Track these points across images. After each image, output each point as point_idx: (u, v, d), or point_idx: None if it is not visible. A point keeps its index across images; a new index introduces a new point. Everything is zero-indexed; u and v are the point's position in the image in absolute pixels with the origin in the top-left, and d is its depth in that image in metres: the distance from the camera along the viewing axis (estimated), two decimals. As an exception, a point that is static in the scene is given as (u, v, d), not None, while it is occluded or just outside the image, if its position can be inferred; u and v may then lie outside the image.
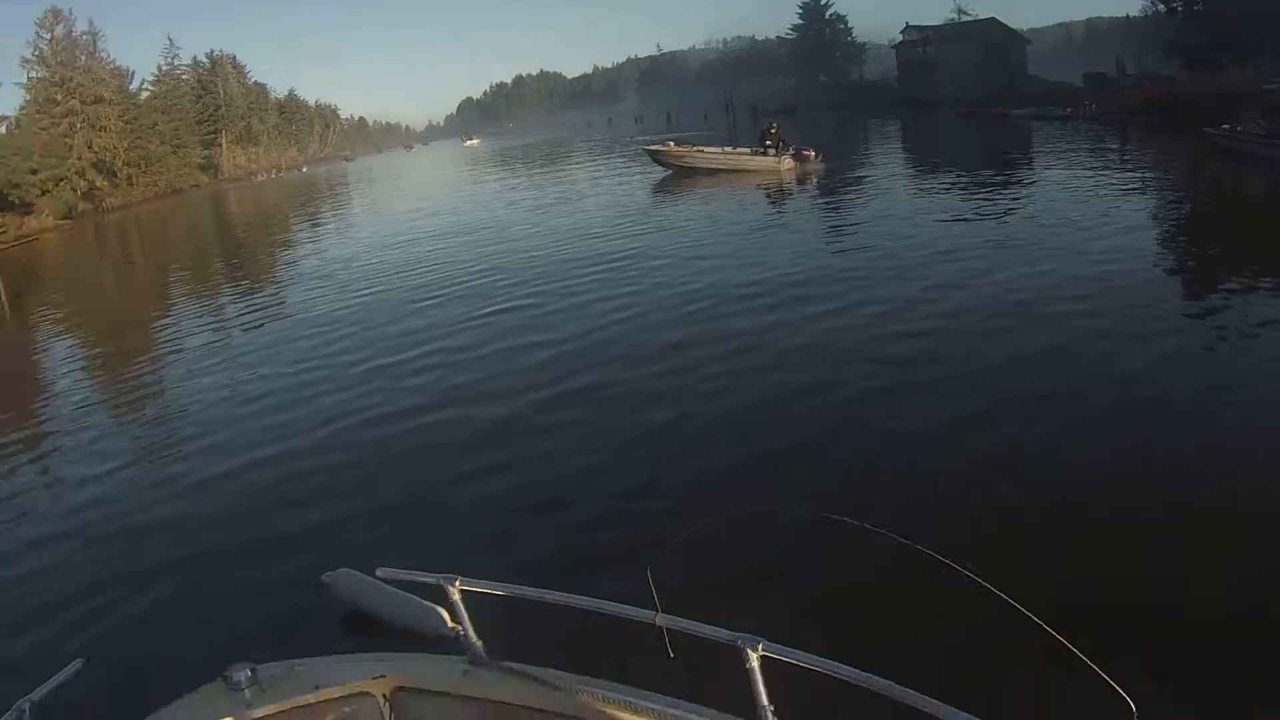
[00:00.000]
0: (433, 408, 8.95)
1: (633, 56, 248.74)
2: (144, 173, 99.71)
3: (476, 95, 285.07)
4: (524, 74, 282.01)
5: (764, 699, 1.87)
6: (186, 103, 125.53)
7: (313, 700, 2.43)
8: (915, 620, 4.29)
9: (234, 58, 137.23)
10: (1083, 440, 6.17)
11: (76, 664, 2.62)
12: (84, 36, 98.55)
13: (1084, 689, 1.63)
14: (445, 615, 2.60)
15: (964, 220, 14.10)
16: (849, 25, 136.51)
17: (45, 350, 16.34)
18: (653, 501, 6.11)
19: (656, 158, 24.25)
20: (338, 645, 4.12)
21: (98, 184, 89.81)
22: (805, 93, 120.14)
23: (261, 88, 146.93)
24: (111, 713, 3.68)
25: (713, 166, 22.81)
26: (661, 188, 21.94)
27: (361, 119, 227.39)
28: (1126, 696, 1.41)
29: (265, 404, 9.95)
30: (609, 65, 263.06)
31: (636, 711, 2.17)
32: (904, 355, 7.96)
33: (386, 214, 29.16)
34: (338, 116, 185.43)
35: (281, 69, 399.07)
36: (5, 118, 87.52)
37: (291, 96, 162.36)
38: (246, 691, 2.38)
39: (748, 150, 22.86)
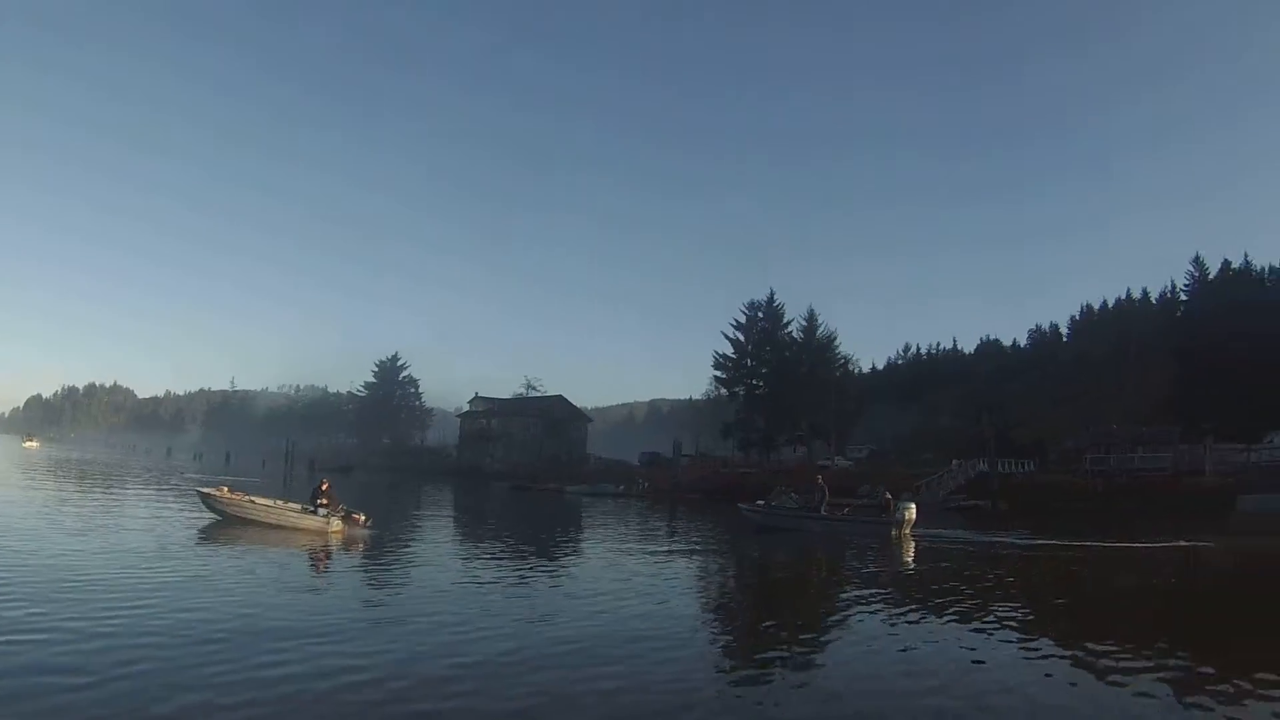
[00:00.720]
0: None
1: (205, 388, 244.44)
2: None
3: (47, 394, 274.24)
4: (97, 383, 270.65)
5: None
6: None
7: None
8: None
9: None
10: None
11: None
12: None
13: None
14: None
15: (502, 592, 12.86)
16: (419, 390, 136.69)
17: None
18: None
19: (208, 501, 21.98)
20: None
21: None
22: (366, 452, 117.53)
23: None
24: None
25: (262, 519, 20.84)
26: (208, 535, 19.14)
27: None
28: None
29: None
30: (181, 393, 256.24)
31: None
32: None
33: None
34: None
35: None
36: None
37: None
38: None
39: (299, 508, 21.17)
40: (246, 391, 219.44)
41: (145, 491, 34.82)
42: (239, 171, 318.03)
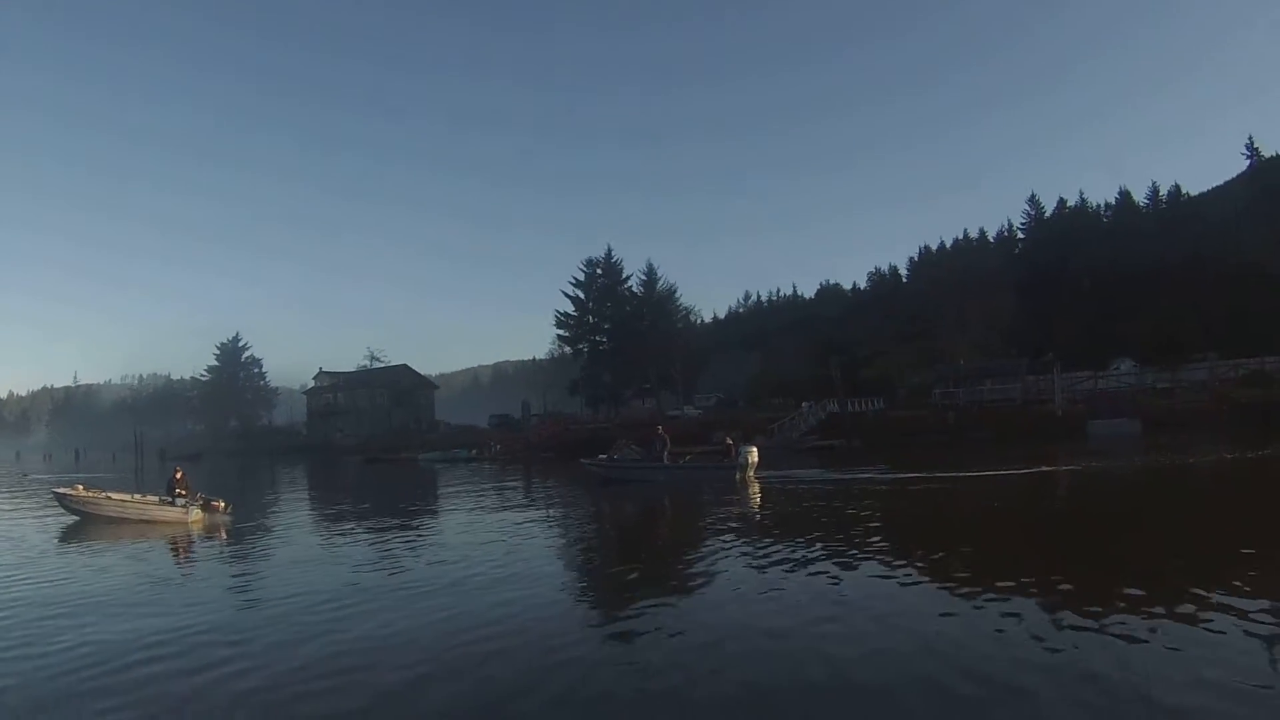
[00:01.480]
0: None
1: (48, 386, 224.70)
2: None
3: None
4: None
5: None
6: None
7: None
8: None
9: None
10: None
11: None
12: None
13: None
14: None
15: (379, 568, 12.12)
16: (263, 370, 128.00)
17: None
18: None
19: (64, 502, 20.85)
20: None
21: None
22: (214, 437, 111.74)
23: None
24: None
25: (122, 515, 19.90)
26: (68, 535, 18.18)
27: None
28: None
29: None
30: (24, 393, 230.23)
31: None
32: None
33: None
34: None
35: None
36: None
37: None
38: None
39: (156, 499, 20.52)
40: (90, 385, 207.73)
41: (6, 498, 32.92)
42: (57, 147, 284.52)
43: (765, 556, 11.50)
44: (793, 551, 11.77)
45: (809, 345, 69.24)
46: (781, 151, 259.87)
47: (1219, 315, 51.45)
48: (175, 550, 15.74)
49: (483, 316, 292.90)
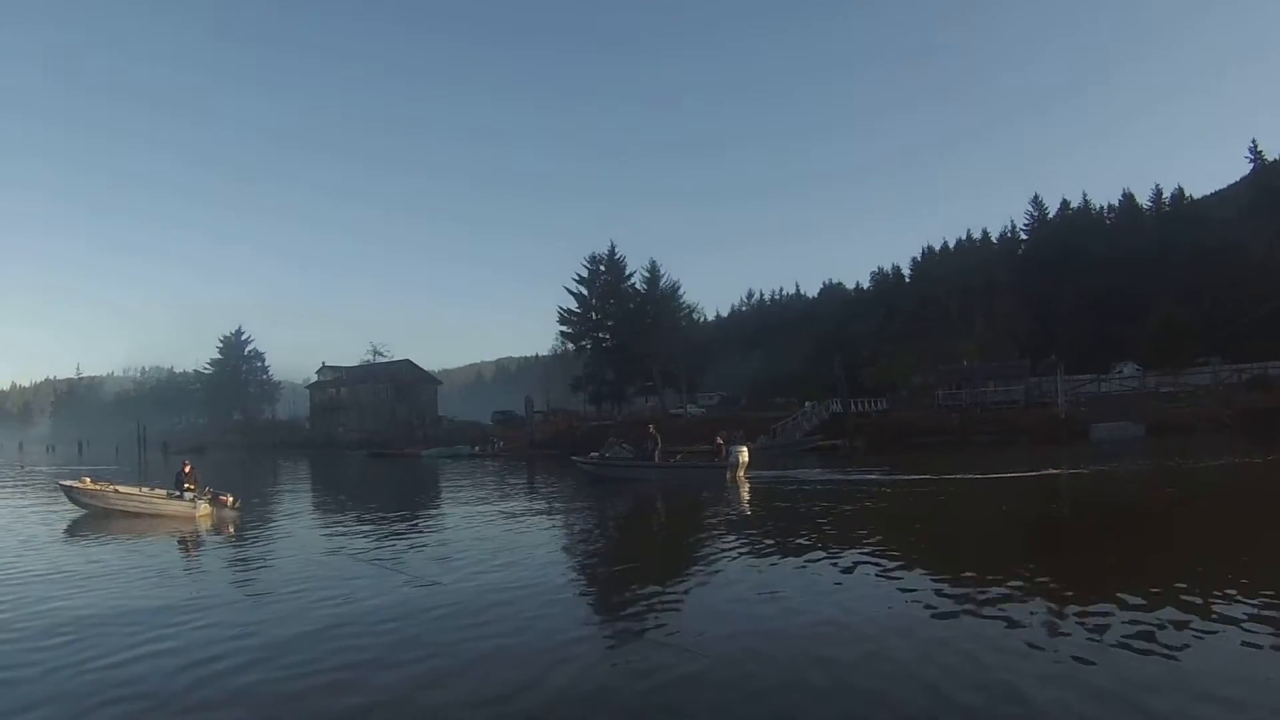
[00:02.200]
0: None
1: (50, 378, 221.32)
2: None
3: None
4: None
5: None
6: None
7: None
8: None
9: None
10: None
11: None
12: None
13: None
14: None
15: (381, 564, 12.14)
16: (266, 364, 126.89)
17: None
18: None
19: (71, 495, 20.93)
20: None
21: None
22: (217, 430, 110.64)
23: None
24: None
25: (129, 509, 19.84)
26: (75, 529, 17.82)
27: None
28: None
29: None
30: (27, 385, 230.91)
31: None
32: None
33: None
34: None
35: None
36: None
37: None
38: None
39: (164, 493, 20.14)
40: (93, 378, 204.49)
41: (8, 491, 32.36)
42: (56, 146, 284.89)
43: (761, 556, 11.55)
44: (788, 552, 11.82)
45: (812, 344, 69.23)
46: (786, 157, 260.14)
47: (1222, 319, 51.00)
48: (183, 545, 15.66)
49: (486, 312, 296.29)
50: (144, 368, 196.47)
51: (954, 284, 63.59)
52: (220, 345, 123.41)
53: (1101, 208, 73.46)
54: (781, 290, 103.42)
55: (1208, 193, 74.33)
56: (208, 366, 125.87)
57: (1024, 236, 74.24)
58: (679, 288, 71.98)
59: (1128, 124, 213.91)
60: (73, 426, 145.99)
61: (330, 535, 16.46)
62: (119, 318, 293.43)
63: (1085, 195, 74.44)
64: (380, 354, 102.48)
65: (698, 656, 6.81)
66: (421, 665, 6.91)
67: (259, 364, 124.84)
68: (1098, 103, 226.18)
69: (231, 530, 17.43)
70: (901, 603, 8.51)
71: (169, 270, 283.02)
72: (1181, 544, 12.06)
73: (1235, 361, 44.71)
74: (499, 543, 14.00)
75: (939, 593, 8.94)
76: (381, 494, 28.18)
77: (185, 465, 21.26)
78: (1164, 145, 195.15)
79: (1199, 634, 6.92)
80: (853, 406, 45.90)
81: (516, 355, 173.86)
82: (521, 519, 17.93)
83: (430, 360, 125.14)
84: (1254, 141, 67.93)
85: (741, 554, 11.90)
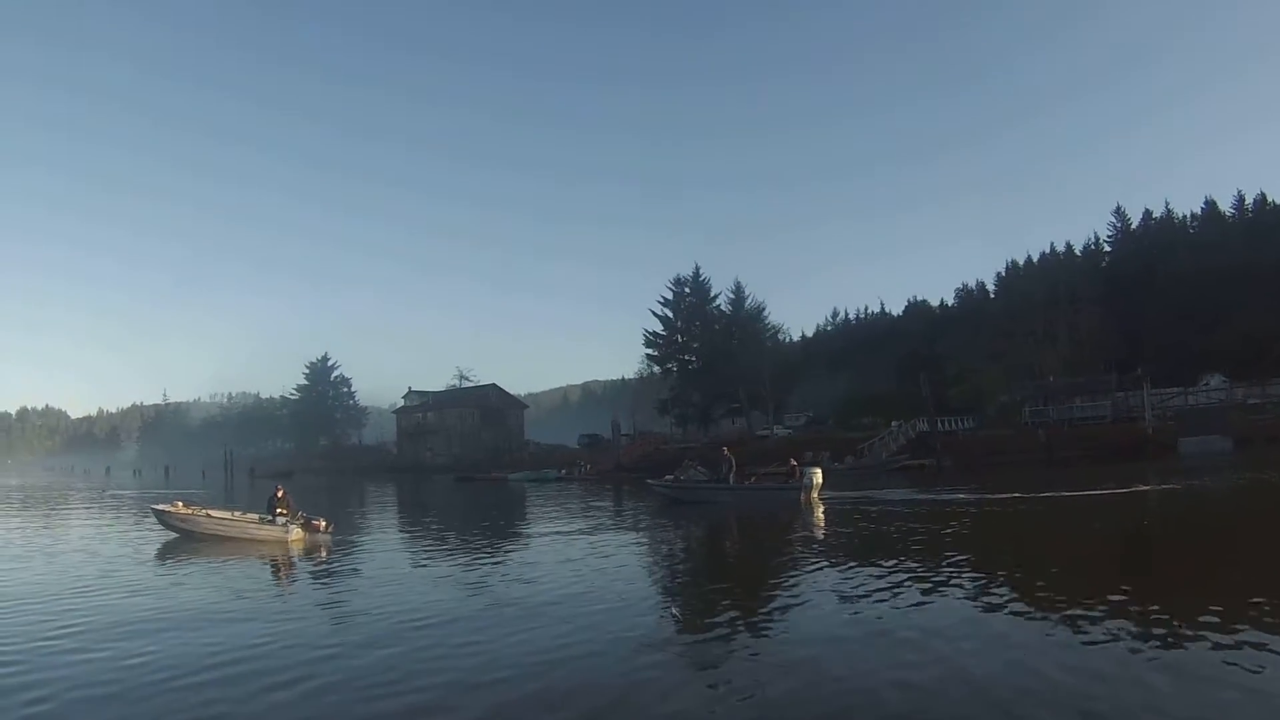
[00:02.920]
0: None
1: (138, 403, 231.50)
2: None
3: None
4: (28, 407, 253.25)
5: None
6: None
7: None
8: None
9: None
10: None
11: None
12: None
13: None
14: None
15: (471, 587, 12.80)
16: (353, 389, 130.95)
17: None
18: None
19: (164, 519, 21.34)
20: None
21: None
22: (304, 456, 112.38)
23: None
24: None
25: (220, 533, 20.29)
26: (166, 552, 18.52)
27: None
28: None
29: None
30: (114, 410, 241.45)
31: None
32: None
33: None
34: None
35: None
36: None
37: None
38: None
39: (256, 517, 20.65)
40: (179, 403, 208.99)
41: (95, 514, 33.41)
42: (134, 179, 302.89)
43: (844, 578, 11.85)
44: (868, 574, 12.01)
45: (898, 363, 70.25)
46: (872, 183, 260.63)
47: None
48: (275, 569, 16.05)
49: (572, 337, 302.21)
50: (230, 394, 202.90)
51: (1039, 299, 64.53)
52: (307, 371, 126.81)
53: (1184, 216, 73.35)
54: (866, 309, 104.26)
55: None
56: (294, 392, 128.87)
57: (1107, 248, 74.56)
58: (764, 308, 73.25)
59: (1212, 134, 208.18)
60: (159, 451, 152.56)
61: (420, 559, 17.13)
62: (206, 345, 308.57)
63: (1168, 204, 74.49)
64: (467, 378, 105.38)
65: (778, 679, 7.06)
66: (500, 688, 7.20)
67: (346, 389, 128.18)
68: (1182, 118, 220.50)
69: (324, 555, 17.73)
70: (984, 625, 8.66)
71: (258, 299, 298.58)
72: (1268, 561, 12.20)
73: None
74: (581, 565, 14.42)
75: (1022, 615, 9.07)
76: (469, 518, 28.91)
77: (278, 490, 21.32)
78: (1244, 150, 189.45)
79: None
80: (939, 425, 47.01)
81: (603, 379, 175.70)
82: (604, 542, 18.28)
83: (517, 384, 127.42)
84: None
85: (821, 575, 12.24)
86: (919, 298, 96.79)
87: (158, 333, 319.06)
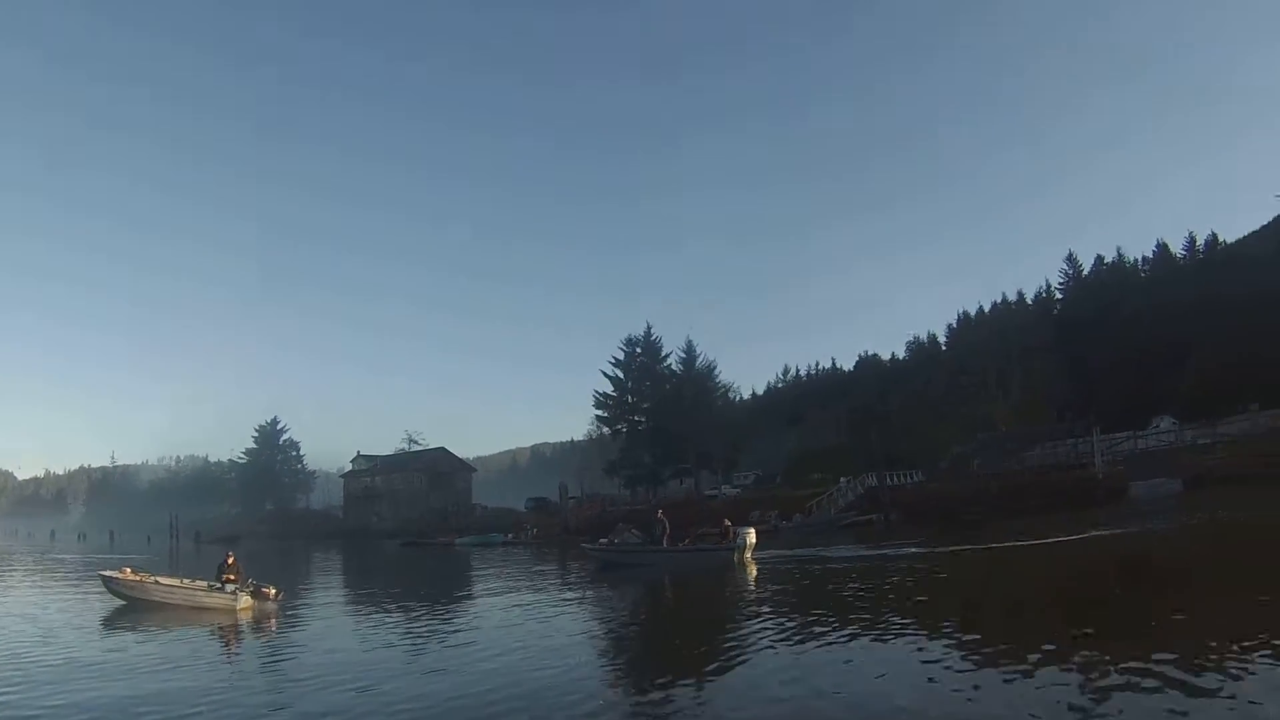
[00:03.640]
0: None
1: (85, 466, 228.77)
2: None
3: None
4: None
5: None
6: None
7: None
8: None
9: None
10: None
11: None
12: None
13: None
14: None
15: (412, 652, 13.13)
16: (301, 453, 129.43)
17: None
18: None
19: (111, 585, 21.12)
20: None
21: None
22: (250, 520, 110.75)
23: None
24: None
25: (170, 600, 20.03)
26: (110, 621, 18.14)
27: None
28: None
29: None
30: (61, 471, 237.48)
31: None
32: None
33: None
34: None
35: None
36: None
37: None
38: None
39: (205, 585, 20.40)
40: (127, 466, 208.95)
41: (39, 579, 33.50)
42: (86, 239, 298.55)
43: (783, 637, 11.86)
44: (811, 632, 12.00)
45: (849, 419, 70.04)
46: (806, 243, 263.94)
47: (1262, 363, 50.97)
48: (222, 639, 15.70)
49: (520, 401, 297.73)
50: (179, 457, 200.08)
51: (990, 349, 64.48)
52: (256, 434, 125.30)
53: (1136, 260, 74.45)
54: (818, 365, 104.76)
55: (1244, 233, 74.49)
56: (243, 456, 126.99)
57: (1059, 296, 75.33)
58: (715, 367, 73.07)
59: (1158, 178, 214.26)
60: (106, 515, 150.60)
61: (366, 626, 16.97)
62: (156, 407, 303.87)
63: (1119, 250, 75.71)
64: (415, 442, 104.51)
65: None
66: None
67: (294, 453, 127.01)
68: (1131, 157, 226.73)
69: (273, 624, 17.46)
70: (920, 677, 8.68)
71: (203, 364, 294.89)
72: (1215, 600, 12.36)
73: (1277, 407, 44.76)
74: (523, 630, 14.60)
75: (965, 660, 9.25)
76: (414, 584, 28.91)
77: (229, 556, 21.10)
78: (1196, 192, 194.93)
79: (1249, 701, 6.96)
80: (889, 479, 46.39)
81: (552, 440, 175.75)
82: (545, 605, 18.67)
83: (465, 448, 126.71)
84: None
85: (763, 636, 12.17)
86: (870, 352, 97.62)
87: (107, 394, 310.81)
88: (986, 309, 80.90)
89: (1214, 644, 8.91)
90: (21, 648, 14.12)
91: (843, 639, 11.28)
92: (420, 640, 14.31)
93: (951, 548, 24.40)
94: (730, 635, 12.82)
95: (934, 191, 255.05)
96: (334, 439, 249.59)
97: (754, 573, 22.75)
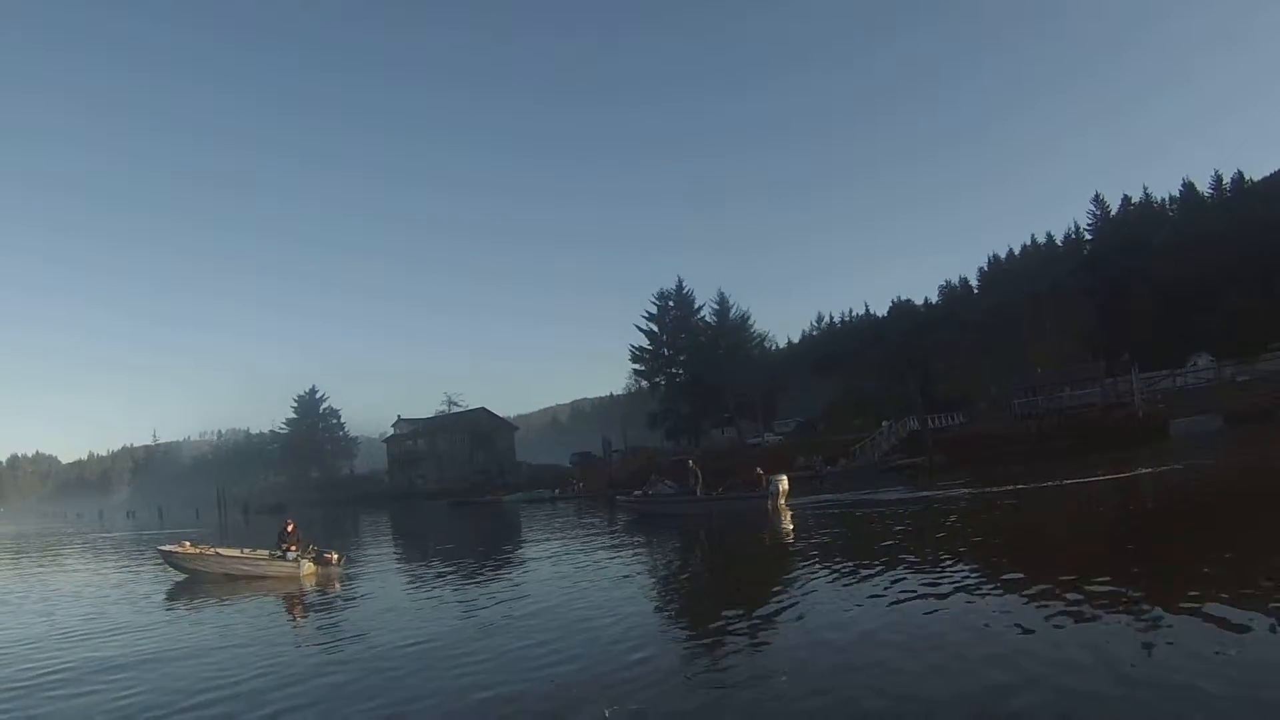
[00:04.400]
0: None
1: (128, 445, 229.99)
2: None
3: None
4: (19, 454, 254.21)
5: None
6: None
7: None
8: None
9: None
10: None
11: None
12: None
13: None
14: None
15: (480, 609, 12.94)
16: (342, 420, 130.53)
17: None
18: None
19: (171, 559, 21.01)
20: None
21: None
22: (296, 489, 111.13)
23: None
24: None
25: (232, 572, 19.85)
26: (177, 594, 17.98)
27: None
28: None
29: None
30: (104, 453, 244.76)
31: None
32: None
33: None
34: None
35: None
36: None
37: None
38: None
39: (266, 554, 20.07)
40: (169, 443, 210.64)
41: (95, 559, 32.43)
42: (106, 226, 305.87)
43: (825, 581, 11.99)
44: (859, 575, 12.10)
45: (885, 363, 70.12)
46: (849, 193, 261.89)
47: None
48: (291, 607, 15.70)
49: (557, 357, 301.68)
50: (220, 431, 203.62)
51: (1022, 291, 64.69)
52: (295, 405, 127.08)
53: (1163, 200, 74.25)
54: (851, 311, 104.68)
55: (1269, 173, 73.60)
56: (284, 426, 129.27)
57: (1088, 237, 75.08)
58: (749, 317, 73.41)
59: (1186, 120, 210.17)
60: (152, 492, 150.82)
61: (432, 586, 16.87)
62: (193, 385, 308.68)
63: (1146, 189, 75.38)
64: (455, 404, 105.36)
65: (767, 681, 7.24)
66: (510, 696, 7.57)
67: (335, 421, 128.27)
68: (1171, 103, 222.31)
69: (337, 587, 17.41)
70: (971, 619, 8.68)
71: (242, 336, 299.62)
72: (1266, 538, 12.27)
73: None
74: (575, 581, 14.79)
75: (1017, 602, 9.24)
76: (469, 542, 28.90)
77: (288, 524, 21.00)
78: (1217, 131, 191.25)
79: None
80: (930, 422, 47.23)
81: (591, 396, 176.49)
82: (599, 558, 18.55)
83: (505, 407, 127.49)
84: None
85: (807, 582, 12.27)
86: (903, 297, 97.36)
87: (145, 375, 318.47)
88: (1017, 252, 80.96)
89: (1264, 583, 8.94)
90: (97, 624, 14.07)
91: (888, 583, 11.25)
92: (483, 596, 14.39)
93: (994, 488, 24.60)
94: (773, 582, 12.85)
95: (971, 139, 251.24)
96: (375, 405, 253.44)
97: (789, 519, 22.89)
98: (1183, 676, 6.22)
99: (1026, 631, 8.03)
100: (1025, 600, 9.38)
